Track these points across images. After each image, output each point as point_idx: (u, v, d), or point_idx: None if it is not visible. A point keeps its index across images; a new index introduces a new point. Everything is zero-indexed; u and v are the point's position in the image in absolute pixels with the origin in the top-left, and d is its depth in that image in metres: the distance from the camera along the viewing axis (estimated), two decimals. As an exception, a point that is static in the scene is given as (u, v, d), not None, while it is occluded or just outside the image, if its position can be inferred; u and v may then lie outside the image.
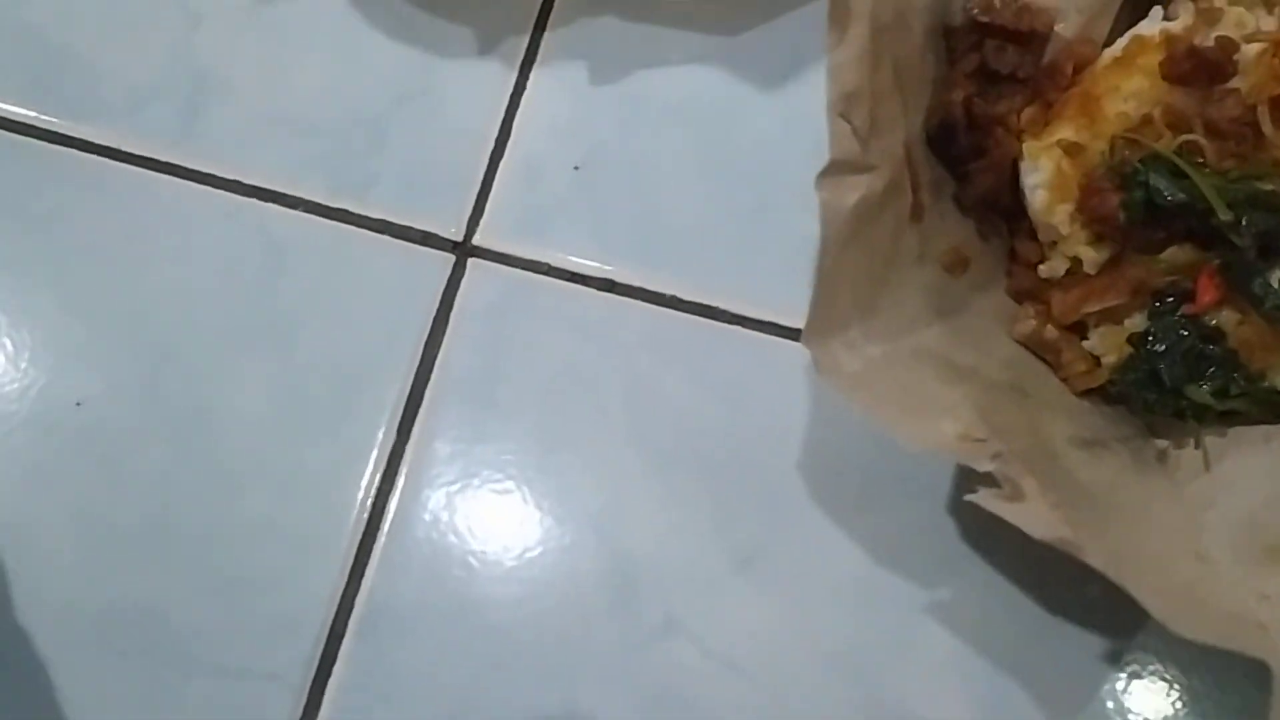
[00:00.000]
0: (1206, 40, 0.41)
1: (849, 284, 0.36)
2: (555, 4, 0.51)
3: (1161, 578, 0.33)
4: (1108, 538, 0.33)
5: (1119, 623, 0.42)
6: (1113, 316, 0.41)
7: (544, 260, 0.48)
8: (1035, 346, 0.42)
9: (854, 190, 0.35)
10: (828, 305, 0.35)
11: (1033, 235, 0.43)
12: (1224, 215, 0.37)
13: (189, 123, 0.50)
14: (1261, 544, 0.36)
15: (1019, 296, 0.43)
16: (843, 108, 0.34)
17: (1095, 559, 0.32)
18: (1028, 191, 0.42)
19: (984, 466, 0.33)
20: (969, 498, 0.33)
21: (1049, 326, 0.41)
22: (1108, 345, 0.41)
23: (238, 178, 0.49)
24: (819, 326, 0.35)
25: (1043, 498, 0.32)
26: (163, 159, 0.49)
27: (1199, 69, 0.40)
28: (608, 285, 0.47)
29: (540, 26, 0.51)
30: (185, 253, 0.48)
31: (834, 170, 0.35)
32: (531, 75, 0.50)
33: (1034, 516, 0.31)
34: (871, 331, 0.37)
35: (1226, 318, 0.39)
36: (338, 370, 0.47)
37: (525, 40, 0.50)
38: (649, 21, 0.50)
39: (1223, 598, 0.34)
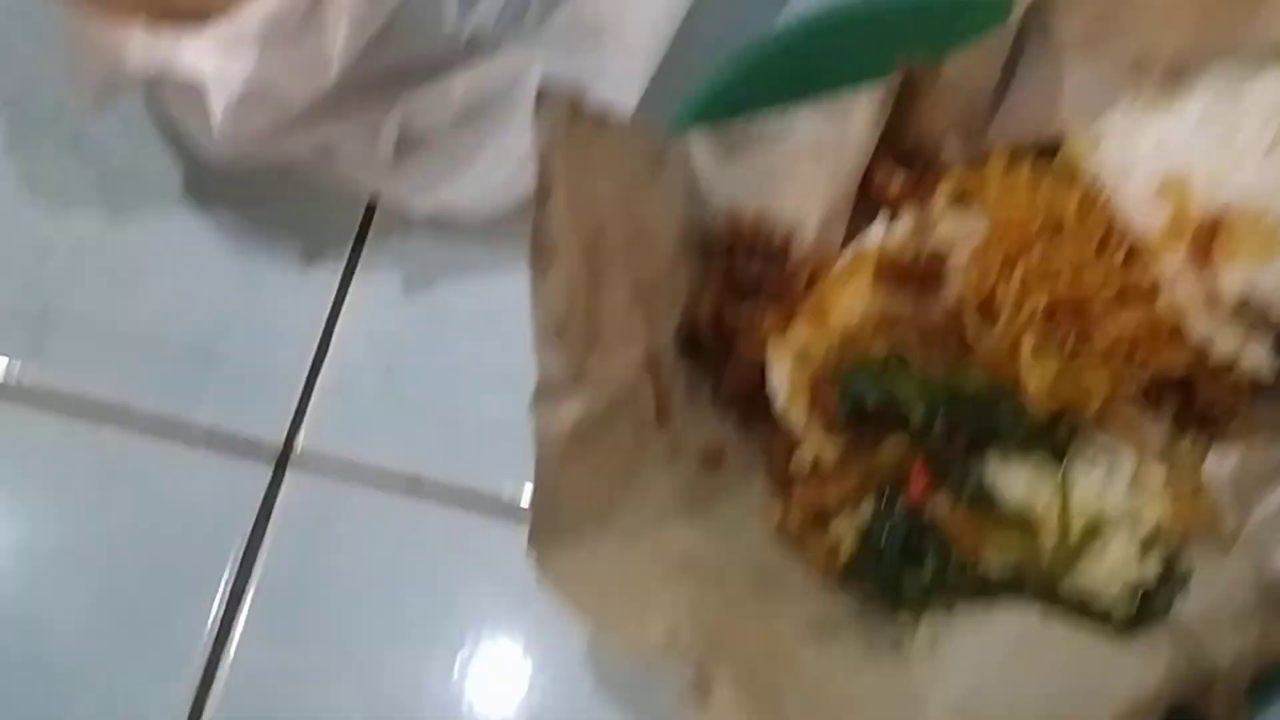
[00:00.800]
0: (925, 242, 0.46)
1: (579, 494, 0.39)
2: (374, 220, 0.56)
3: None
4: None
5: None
6: (849, 507, 0.44)
7: (358, 464, 0.51)
8: (783, 537, 0.45)
9: (570, 412, 0.39)
10: (550, 517, 0.38)
11: (788, 430, 0.47)
12: (915, 417, 0.41)
13: (34, 350, 0.54)
14: (967, 729, 0.39)
15: (775, 489, 0.47)
16: (551, 337, 0.38)
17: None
18: (771, 390, 0.46)
19: (682, 668, 0.36)
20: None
21: (792, 517, 0.45)
22: (845, 534, 0.44)
23: (76, 396, 0.53)
24: (543, 536, 0.38)
25: (733, 704, 0.35)
26: (10, 384, 0.54)
27: (908, 278, 0.44)
28: (414, 486, 0.51)
29: (360, 240, 0.56)
30: (19, 474, 0.52)
31: (545, 394, 0.38)
32: (350, 288, 0.55)
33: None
34: (608, 531, 0.40)
35: (939, 507, 0.42)
36: (159, 583, 0.50)
37: (346, 252, 0.55)
38: (456, 235, 0.54)
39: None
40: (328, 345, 0.54)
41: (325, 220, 0.56)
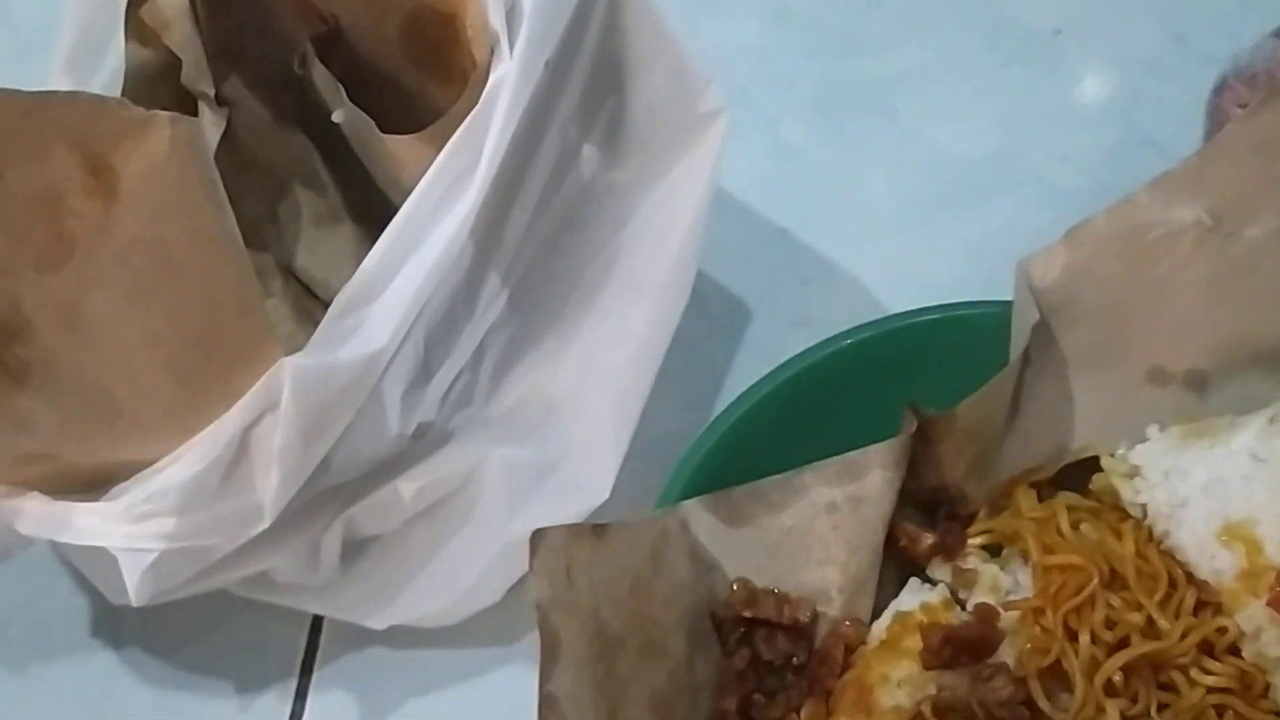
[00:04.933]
0: (969, 599, 0.41)
1: None
2: (321, 644, 0.48)
3: None
4: None
5: None
6: None
7: None
8: None
9: None
10: None
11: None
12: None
13: None
14: None
15: None
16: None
17: None
18: (826, 801, 0.39)
19: None
20: None
21: None
22: None
23: None
24: None
25: None
26: None
27: (961, 650, 0.38)
28: None
29: (308, 662, 0.48)
30: None
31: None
32: (302, 723, 0.47)
33: None
34: None
35: None
36: None
37: (294, 680, 0.47)
38: (418, 646, 0.47)
39: None
40: (278, 806, 0.45)
41: (265, 643, 0.48)
